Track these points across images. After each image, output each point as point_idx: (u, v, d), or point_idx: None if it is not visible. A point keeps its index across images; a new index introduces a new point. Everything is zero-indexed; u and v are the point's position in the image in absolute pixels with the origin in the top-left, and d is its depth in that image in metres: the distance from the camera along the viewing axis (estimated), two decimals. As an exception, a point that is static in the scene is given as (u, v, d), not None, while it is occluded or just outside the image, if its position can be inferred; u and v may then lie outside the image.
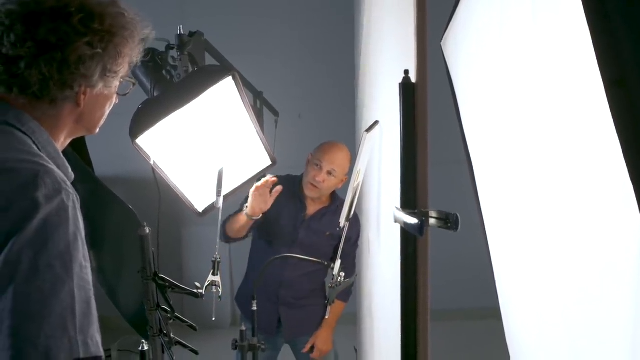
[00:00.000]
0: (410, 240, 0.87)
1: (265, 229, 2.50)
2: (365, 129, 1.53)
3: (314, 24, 4.67)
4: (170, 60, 1.96)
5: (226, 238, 2.42)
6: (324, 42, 4.64)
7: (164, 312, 1.25)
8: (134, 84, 1.20)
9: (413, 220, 0.79)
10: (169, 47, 1.91)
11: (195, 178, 1.94)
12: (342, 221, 1.72)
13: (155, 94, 1.82)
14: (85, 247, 0.98)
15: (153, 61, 1.91)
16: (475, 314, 4.50)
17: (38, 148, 1.03)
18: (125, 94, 1.21)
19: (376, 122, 1.67)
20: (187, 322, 1.32)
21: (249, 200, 2.21)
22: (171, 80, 1.90)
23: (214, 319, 1.92)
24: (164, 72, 1.93)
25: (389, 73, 1.45)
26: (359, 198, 2.30)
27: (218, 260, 1.93)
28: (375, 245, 2.05)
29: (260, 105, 3.05)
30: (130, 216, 1.19)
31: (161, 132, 1.69)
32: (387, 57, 1.55)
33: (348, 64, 4.05)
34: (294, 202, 2.51)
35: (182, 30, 1.89)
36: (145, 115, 1.63)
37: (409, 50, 0.91)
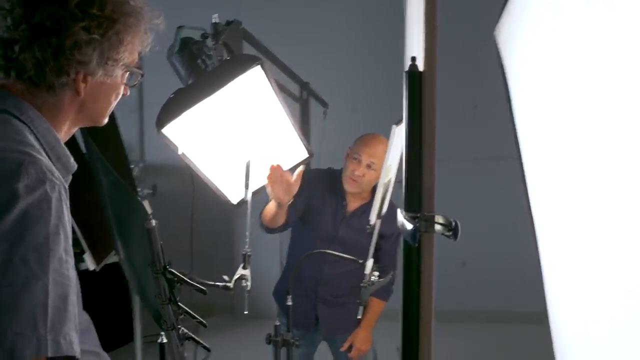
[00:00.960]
0: (413, 249, 0.78)
1: (305, 224, 2.43)
2: (394, 122, 1.44)
3: (364, 10, 4.54)
4: (207, 50, 1.92)
5: (264, 227, 2.36)
6: (376, 30, 4.50)
7: (175, 306, 1.22)
8: (142, 75, 1.16)
9: (409, 226, 0.71)
10: (204, 36, 1.87)
11: (228, 169, 1.90)
12: (373, 219, 1.64)
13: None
14: (69, 240, 0.95)
15: (189, 50, 1.88)
16: (511, 318, 4.33)
17: (36, 137, 1.01)
18: (133, 85, 1.17)
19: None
20: (197, 318, 1.28)
21: (268, 189, 2.06)
22: (205, 70, 1.87)
23: (246, 312, 1.89)
24: (199, 61, 1.89)
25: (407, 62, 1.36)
26: (400, 191, 2.20)
27: (248, 253, 1.89)
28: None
29: (307, 96, 2.99)
30: (141, 208, 1.15)
31: (191, 122, 1.67)
32: (407, 44, 1.46)
33: (401, 54, 3.92)
34: (335, 197, 2.43)
35: (217, 19, 1.84)
36: (173, 105, 1.61)
37: (419, 35, 0.82)
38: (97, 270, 1.82)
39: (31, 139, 0.98)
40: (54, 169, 0.97)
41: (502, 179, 4.35)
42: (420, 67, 0.78)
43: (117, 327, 3.77)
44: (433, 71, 0.77)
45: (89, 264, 1.79)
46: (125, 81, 1.14)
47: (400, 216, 0.78)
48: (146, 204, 2.04)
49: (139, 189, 2.84)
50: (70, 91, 1.04)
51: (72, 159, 1.08)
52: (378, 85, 4.52)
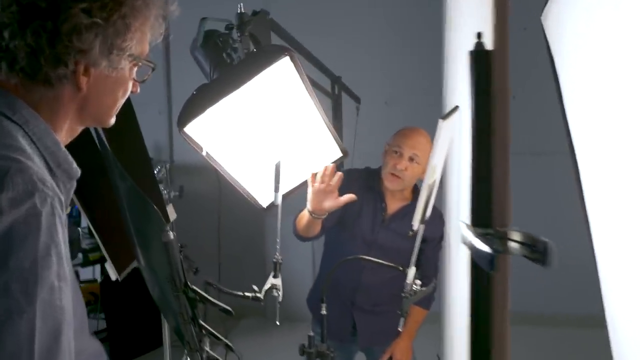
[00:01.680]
0: (482, 271, 0.63)
1: (341, 228, 2.27)
2: (441, 117, 1.27)
3: (400, 1, 4.35)
4: (232, 43, 1.79)
5: (297, 236, 2.21)
6: (411, 22, 4.32)
7: (197, 326, 1.08)
8: (153, 69, 1.02)
9: (483, 247, 0.55)
10: (229, 28, 1.74)
11: (257, 170, 1.77)
12: (416, 224, 1.48)
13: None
14: (63, 262, 0.82)
15: (213, 43, 1.75)
16: (571, 321, 4.10)
17: (32, 140, 0.88)
18: (143, 81, 1.03)
19: (455, 108, 1.41)
20: (223, 340, 1.15)
21: (308, 195, 1.93)
22: (230, 64, 1.73)
23: (277, 323, 1.78)
24: (224, 55, 1.76)
25: (466, 44, 1.19)
26: (442, 194, 2.03)
27: (279, 261, 1.76)
28: (454, 252, 1.78)
29: (339, 90, 2.84)
30: (158, 219, 1.02)
31: (215, 120, 1.54)
32: (464, 24, 1.29)
33: (438, 44, 3.74)
34: (373, 199, 2.26)
35: (242, 9, 1.70)
36: (195, 102, 1.48)
37: (484, 9, 0.66)
38: (120, 280, 1.71)
39: (23, 142, 0.85)
40: (47, 177, 0.84)
41: (544, 175, 4.14)
42: (489, 45, 0.63)
43: (146, 331, 3.70)
44: (505, 49, 0.61)
45: (111, 273, 1.68)
46: (134, 75, 1.00)
47: (467, 232, 0.63)
48: (170, 208, 1.92)
49: (164, 191, 2.74)
50: (70, 85, 0.90)
51: (74, 164, 0.94)
52: (413, 78, 4.34)
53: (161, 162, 3.65)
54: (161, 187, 2.77)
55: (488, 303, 0.63)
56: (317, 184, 1.86)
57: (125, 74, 0.97)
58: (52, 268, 0.78)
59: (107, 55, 0.90)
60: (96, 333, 3.78)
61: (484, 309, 0.64)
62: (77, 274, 2.62)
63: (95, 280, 4.10)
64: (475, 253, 0.59)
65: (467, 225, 0.65)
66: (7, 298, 0.74)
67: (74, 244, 2.82)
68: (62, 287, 0.80)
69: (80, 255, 3.58)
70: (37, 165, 0.84)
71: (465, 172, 1.23)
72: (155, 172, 2.82)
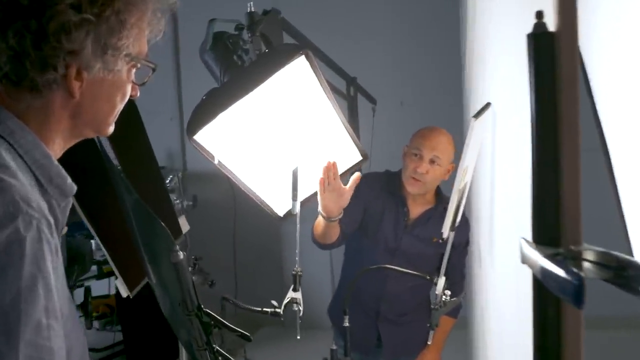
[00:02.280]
0: (551, 299, 0.52)
1: (362, 234, 2.17)
2: (472, 115, 1.17)
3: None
4: (243, 44, 1.70)
5: (317, 244, 2.11)
6: (426, 20, 4.20)
7: (213, 353, 0.99)
8: (153, 70, 0.92)
9: (560, 273, 0.45)
10: (239, 28, 1.65)
11: (273, 177, 1.68)
12: (446, 231, 1.37)
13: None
14: (53, 295, 0.71)
15: (223, 45, 1.66)
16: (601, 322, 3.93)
17: (18, 154, 0.78)
18: (143, 83, 0.93)
19: (487, 105, 1.30)
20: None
21: (318, 197, 1.80)
22: (242, 66, 1.64)
23: (298, 337, 1.69)
24: (234, 57, 1.67)
25: (504, 35, 1.09)
26: (468, 197, 1.92)
27: (299, 273, 1.66)
28: (487, 261, 1.67)
29: (354, 92, 2.73)
30: (167, 238, 0.92)
31: (227, 126, 1.45)
32: (500, 13, 1.18)
33: (455, 43, 3.63)
34: (394, 204, 2.16)
35: (252, 8, 1.61)
36: (205, 108, 1.39)
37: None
38: (131, 297, 1.62)
39: (7, 157, 0.75)
40: (33, 196, 0.74)
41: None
42: (552, 26, 0.52)
43: (162, 343, 3.62)
44: (574, 30, 0.51)
45: (121, 290, 1.59)
46: (132, 78, 0.90)
47: (531, 252, 0.52)
48: (183, 220, 1.83)
49: (177, 201, 2.66)
50: (61, 92, 0.80)
51: (69, 180, 0.84)
52: (430, 78, 4.22)
53: (174, 171, 3.58)
54: (174, 196, 2.69)
55: (558, 335, 0.53)
56: (325, 184, 1.72)
57: (122, 77, 0.87)
58: (38, 303, 0.68)
59: (100, 56, 0.80)
60: (112, 346, 3.71)
61: (552, 342, 0.53)
62: (88, 289, 2.54)
63: (108, 296, 4.03)
64: (546, 278, 0.48)
65: (529, 242, 0.54)
66: None
67: (86, 257, 2.75)
68: (52, 324, 0.70)
69: (94, 267, 3.52)
70: (22, 183, 0.74)
71: (505, 174, 1.13)
72: (167, 181, 2.75)
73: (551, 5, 0.52)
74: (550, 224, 0.52)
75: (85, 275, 2.89)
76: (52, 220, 0.76)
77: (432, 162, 2.03)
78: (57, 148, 0.85)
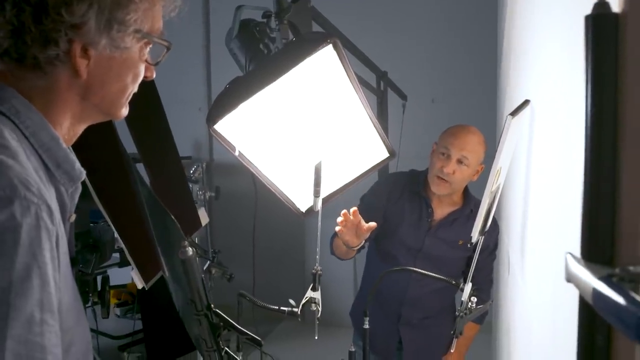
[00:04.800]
0: (601, 325, 0.45)
1: (383, 237, 2.10)
2: (509, 112, 1.09)
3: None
4: (270, 32, 1.64)
5: (335, 256, 2.07)
6: (463, 16, 4.09)
7: (222, 355, 0.93)
8: (168, 48, 0.86)
9: (617, 299, 0.38)
10: (266, 15, 1.59)
11: (295, 171, 1.62)
12: (475, 235, 1.29)
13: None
14: (50, 287, 0.66)
15: (250, 33, 1.61)
16: None
17: (24, 134, 0.74)
18: (157, 63, 0.87)
19: (526, 102, 1.22)
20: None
21: (340, 234, 1.78)
22: (267, 55, 1.58)
23: (316, 337, 1.64)
24: (261, 45, 1.61)
25: (549, 21, 1.00)
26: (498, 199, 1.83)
27: (319, 273, 1.60)
28: (517, 269, 1.57)
29: (385, 87, 2.66)
30: (177, 231, 0.87)
31: (250, 116, 1.39)
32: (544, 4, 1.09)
33: (491, 38, 3.51)
34: (418, 205, 2.08)
35: (282, -6, 1.55)
36: (227, 97, 1.33)
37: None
38: (146, 288, 1.58)
39: (9, 137, 0.71)
40: (32, 180, 0.69)
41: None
42: (616, 7, 0.45)
43: (183, 333, 3.60)
44: (641, 12, 0.43)
45: (136, 281, 1.55)
46: (146, 57, 0.84)
47: (579, 270, 0.45)
48: (202, 212, 1.79)
49: (200, 192, 2.62)
50: (67, 71, 0.76)
51: (77, 164, 0.80)
52: (463, 74, 4.11)
53: (200, 161, 3.55)
54: (196, 187, 2.65)
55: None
56: (344, 228, 1.73)
57: (133, 55, 0.82)
58: (32, 296, 0.64)
59: (106, 31, 0.75)
60: (132, 334, 3.72)
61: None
62: (106, 277, 2.51)
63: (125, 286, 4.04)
64: (599, 303, 0.41)
65: (577, 259, 0.47)
66: None
67: (107, 245, 2.73)
68: (46, 319, 0.65)
69: (117, 255, 3.52)
70: (23, 165, 0.70)
71: (543, 177, 1.05)
72: (192, 171, 2.71)
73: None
74: (605, 240, 0.45)
75: (107, 263, 2.88)
76: (54, 207, 0.71)
77: (459, 162, 1.95)
78: (65, 132, 0.81)
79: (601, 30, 0.45)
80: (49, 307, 0.66)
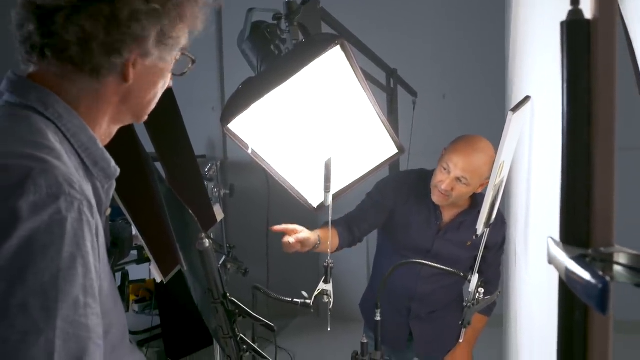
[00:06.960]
0: (578, 303, 0.50)
1: (392, 237, 2.14)
2: (510, 108, 1.13)
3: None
4: (280, 33, 1.70)
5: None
6: (470, 10, 4.11)
7: (237, 343, 0.99)
8: (193, 61, 0.95)
9: (585, 275, 0.42)
10: (277, 17, 1.65)
11: (307, 167, 1.67)
12: (480, 228, 1.34)
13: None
14: (92, 274, 0.73)
15: (261, 35, 1.67)
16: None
17: (65, 137, 0.81)
18: (182, 74, 0.96)
19: (526, 98, 1.26)
20: (265, 356, 1.05)
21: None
22: (278, 56, 1.64)
23: (329, 329, 1.69)
24: (272, 47, 1.67)
25: (544, 22, 1.04)
26: (504, 193, 1.87)
27: (330, 265, 1.65)
28: (522, 260, 1.61)
29: (395, 84, 2.70)
30: (194, 224, 0.93)
31: (262, 115, 1.45)
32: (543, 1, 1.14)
33: (499, 34, 3.53)
34: (426, 207, 2.07)
35: (292, -3, 1.60)
36: (240, 97, 1.39)
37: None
38: (165, 282, 1.64)
39: (54, 140, 0.78)
40: (74, 179, 0.75)
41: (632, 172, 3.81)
42: (588, 13, 0.49)
43: (200, 328, 3.68)
44: (612, 20, 0.48)
45: (155, 275, 1.61)
46: (171, 69, 0.94)
47: (557, 252, 0.50)
48: (217, 208, 1.84)
49: (215, 190, 2.68)
50: (116, 76, 0.84)
51: (112, 162, 0.88)
52: (473, 70, 4.13)
53: (214, 159, 3.62)
54: (211, 185, 2.71)
55: (584, 341, 0.50)
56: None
57: (169, 67, 0.91)
58: (76, 282, 0.70)
59: (159, 45, 0.85)
60: (150, 330, 3.79)
61: (578, 348, 0.50)
62: (126, 273, 2.59)
63: (146, 280, 4.12)
64: (570, 281, 0.46)
65: (556, 242, 0.52)
66: (24, 317, 0.66)
67: (125, 242, 2.81)
68: (89, 303, 0.72)
69: (134, 252, 3.59)
70: (67, 165, 0.76)
71: (541, 170, 1.09)
72: (206, 169, 2.77)
73: (589, -7, 0.50)
74: (579, 223, 0.50)
75: (125, 260, 2.96)
76: (94, 202, 0.78)
77: (458, 180, 1.90)
78: (102, 132, 0.89)
79: (575, 35, 0.50)
80: (92, 292, 0.73)
